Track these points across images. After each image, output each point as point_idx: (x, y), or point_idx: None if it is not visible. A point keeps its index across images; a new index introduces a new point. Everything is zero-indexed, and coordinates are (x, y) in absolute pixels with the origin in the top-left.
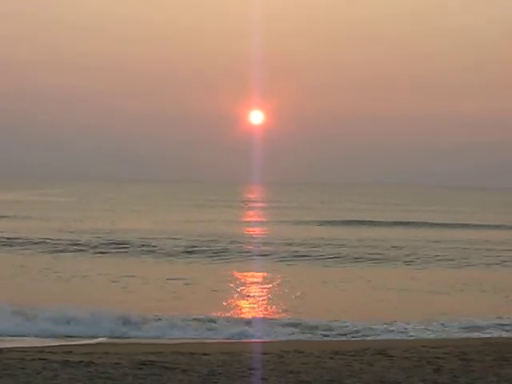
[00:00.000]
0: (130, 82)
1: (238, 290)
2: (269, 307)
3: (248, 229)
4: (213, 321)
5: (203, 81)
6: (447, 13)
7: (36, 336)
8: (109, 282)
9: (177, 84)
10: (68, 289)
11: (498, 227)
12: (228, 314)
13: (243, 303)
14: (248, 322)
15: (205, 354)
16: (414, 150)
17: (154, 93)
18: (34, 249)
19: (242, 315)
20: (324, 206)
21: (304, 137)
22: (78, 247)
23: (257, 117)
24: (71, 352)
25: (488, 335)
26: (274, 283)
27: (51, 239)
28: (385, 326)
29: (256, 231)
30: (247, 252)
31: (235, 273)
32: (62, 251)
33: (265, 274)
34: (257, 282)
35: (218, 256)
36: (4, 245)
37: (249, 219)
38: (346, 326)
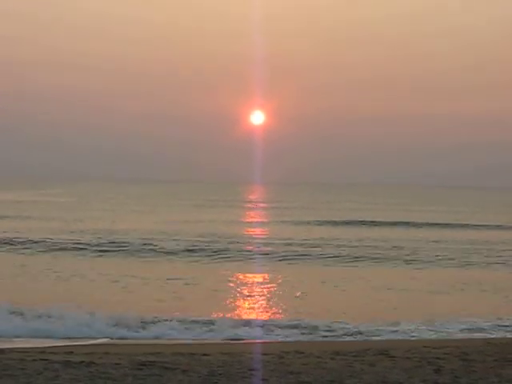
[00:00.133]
0: (130, 82)
1: (238, 290)
2: (269, 308)
3: (248, 229)
4: (212, 322)
5: (203, 81)
6: (447, 13)
7: (34, 337)
8: (108, 282)
9: (177, 84)
10: (67, 289)
11: (498, 227)
12: (228, 315)
13: (243, 304)
14: (248, 323)
15: (205, 355)
16: (414, 150)
17: (154, 93)
18: (33, 248)
19: (242, 316)
20: (324, 206)
21: (304, 137)
22: (77, 247)
23: (257, 117)
24: (72, 352)
25: (489, 336)
26: (274, 283)
27: (51, 239)
28: (386, 326)
29: (256, 231)
30: (247, 252)
31: (235, 273)
32: (61, 251)
33: (265, 274)
34: (257, 282)
35: (218, 256)
36: (5, 244)
37: (249, 219)
38: (347, 327)
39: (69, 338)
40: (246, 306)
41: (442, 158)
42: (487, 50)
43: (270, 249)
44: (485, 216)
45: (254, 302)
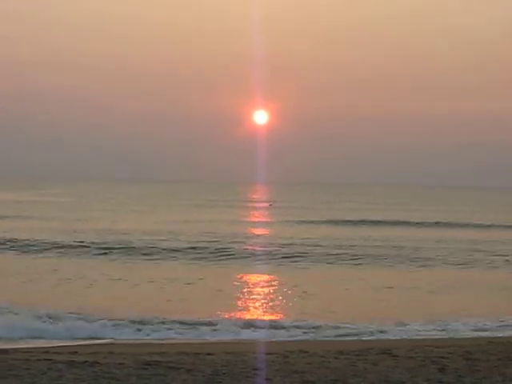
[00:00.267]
0: (131, 82)
1: (240, 290)
2: (271, 308)
3: (249, 228)
4: (214, 323)
5: (204, 81)
6: (447, 13)
7: (34, 338)
8: (108, 283)
9: (177, 84)
10: (66, 290)
11: (497, 226)
12: (230, 315)
13: (245, 304)
14: (251, 323)
15: (209, 354)
16: (414, 150)
17: (154, 93)
18: (33, 248)
19: (244, 316)
20: (325, 206)
21: (305, 137)
22: (78, 247)
23: (257, 117)
24: (76, 352)
25: (493, 335)
26: (276, 283)
27: (51, 239)
28: (388, 326)
29: (257, 231)
30: (249, 252)
31: (236, 273)
32: (61, 251)
33: (267, 274)
34: (258, 283)
35: (218, 256)
36: (4, 243)
37: (250, 219)
38: (350, 327)
39: (71, 340)
40: (249, 306)
41: (442, 157)
42: (487, 50)
43: (271, 248)
44: (485, 215)
45: (256, 302)
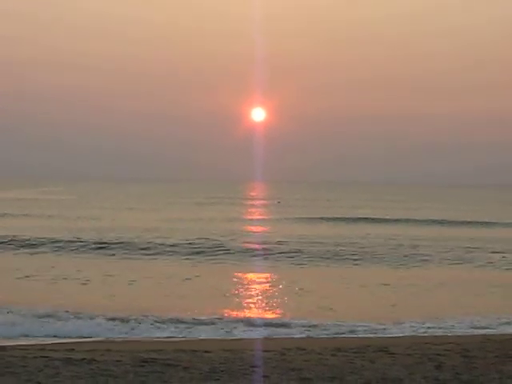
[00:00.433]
0: (131, 81)
1: (237, 287)
2: (268, 305)
3: (249, 226)
4: (213, 321)
5: (204, 81)
6: (447, 13)
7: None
8: (104, 280)
9: (177, 84)
10: (63, 288)
11: (496, 224)
12: (226, 313)
13: (242, 301)
14: (247, 321)
15: (206, 352)
16: (414, 149)
17: (154, 93)
18: (32, 247)
19: (241, 314)
20: (325, 204)
21: (305, 136)
22: (76, 245)
23: (258, 116)
24: (73, 350)
25: (490, 332)
26: (274, 280)
27: (50, 237)
28: (385, 324)
29: (257, 229)
30: (248, 249)
31: (234, 270)
32: (60, 249)
33: (264, 271)
34: (256, 280)
35: (218, 253)
36: (4, 242)
37: (250, 217)
38: (347, 324)
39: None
40: (245, 303)
41: (442, 157)
42: (487, 50)
43: (270, 246)
44: (484, 213)
45: (253, 299)
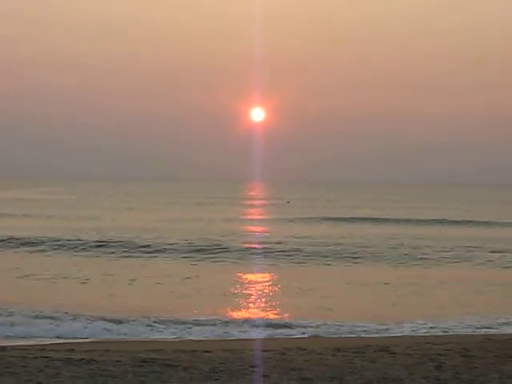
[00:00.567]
0: (131, 81)
1: (239, 288)
2: (267, 305)
3: (248, 226)
4: (213, 321)
5: (204, 80)
6: (447, 13)
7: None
8: (106, 280)
9: (177, 84)
10: (65, 288)
11: (496, 224)
12: (228, 314)
13: (244, 302)
14: (248, 322)
15: (206, 352)
16: (414, 149)
17: (154, 92)
18: (32, 246)
19: (242, 314)
20: (325, 204)
21: (306, 135)
22: (76, 245)
23: (258, 116)
24: (73, 350)
25: (490, 332)
26: (272, 280)
27: (49, 236)
28: (385, 323)
29: (257, 229)
30: (248, 249)
31: (236, 270)
32: (60, 248)
33: (263, 271)
34: (254, 279)
35: (217, 253)
36: (4, 241)
37: (249, 217)
38: (347, 324)
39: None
40: (243, 303)
41: (442, 157)
42: (487, 50)
43: (270, 245)
44: (484, 213)
45: (251, 299)
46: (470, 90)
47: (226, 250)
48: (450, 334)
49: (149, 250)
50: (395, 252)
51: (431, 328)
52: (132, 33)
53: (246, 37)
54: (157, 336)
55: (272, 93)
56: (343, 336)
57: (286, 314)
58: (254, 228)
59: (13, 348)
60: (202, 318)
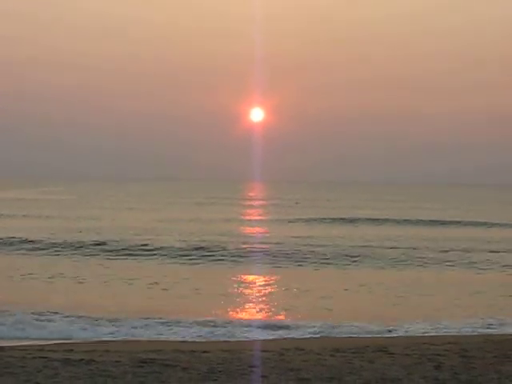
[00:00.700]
0: (131, 81)
1: (238, 289)
2: (265, 306)
3: (247, 227)
4: (211, 322)
5: (203, 80)
6: (447, 12)
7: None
8: (105, 281)
9: (177, 83)
10: (64, 288)
11: (494, 225)
12: (226, 314)
13: (242, 303)
14: (247, 323)
15: (205, 352)
16: (415, 149)
17: (154, 92)
18: (31, 247)
19: (240, 315)
20: (325, 204)
21: (306, 135)
22: (76, 245)
23: (257, 116)
24: (72, 350)
25: (488, 332)
26: (270, 281)
27: (48, 238)
28: (385, 325)
29: (256, 229)
30: (247, 250)
31: (235, 271)
32: (59, 248)
33: (266, 273)
34: (251, 281)
35: (217, 254)
36: (2, 242)
37: (249, 217)
38: (345, 325)
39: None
40: (245, 304)
41: (442, 157)
42: (487, 50)
43: (269, 246)
44: (484, 214)
45: (253, 300)
46: (470, 90)
47: (225, 250)
48: (449, 334)
49: (148, 250)
50: (394, 252)
51: (430, 328)
52: (132, 33)
53: (246, 37)
54: (156, 336)
55: (272, 93)
56: (342, 336)
57: (284, 315)
58: (253, 228)
59: (11, 348)
60: (200, 319)
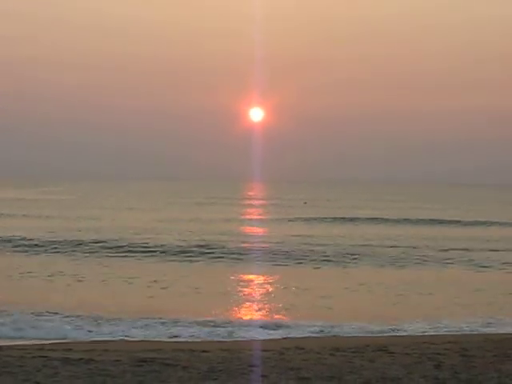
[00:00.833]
0: (131, 80)
1: (238, 288)
2: (264, 305)
3: (247, 227)
4: (211, 322)
5: (203, 80)
6: (447, 11)
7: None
8: (104, 280)
9: (177, 83)
10: (63, 288)
11: (494, 223)
12: (226, 314)
13: (242, 302)
14: (247, 322)
15: (205, 351)
16: (415, 148)
17: (154, 92)
18: (30, 246)
19: (240, 314)
20: (325, 204)
21: (304, 135)
22: (75, 244)
23: (257, 115)
24: (71, 349)
25: (488, 331)
26: (273, 281)
27: (48, 237)
28: (385, 324)
29: (256, 229)
30: (247, 250)
31: (235, 271)
32: (59, 248)
33: (266, 272)
34: (257, 281)
35: (217, 253)
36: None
37: (249, 217)
38: (348, 325)
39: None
40: (245, 303)
41: (443, 156)
42: (487, 48)
43: (269, 246)
44: (484, 213)
45: (253, 299)
46: (470, 89)
47: (225, 249)
48: (449, 333)
49: (147, 248)
50: (395, 251)
51: (430, 327)
52: (132, 32)
53: (246, 36)
54: (155, 336)
55: (272, 92)
56: (342, 336)
57: (284, 314)
58: (253, 228)
59: (10, 348)
60: (200, 318)
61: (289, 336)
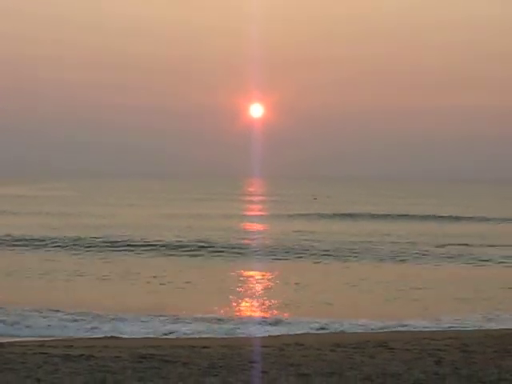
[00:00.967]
0: (132, 77)
1: (238, 284)
2: (264, 301)
3: (247, 223)
4: (210, 318)
5: (203, 76)
6: (445, 7)
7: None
8: (105, 277)
9: (177, 80)
10: (63, 285)
11: (491, 219)
12: (226, 310)
13: (242, 298)
14: (247, 318)
15: (205, 348)
16: (414, 144)
17: (154, 88)
18: (30, 244)
19: (240, 310)
20: (325, 200)
21: (303, 131)
22: (75, 242)
23: (257, 112)
24: (72, 346)
25: (489, 327)
26: (273, 277)
27: (49, 233)
28: (386, 320)
29: (255, 225)
30: (247, 246)
31: (235, 267)
32: (60, 245)
33: (266, 268)
34: (257, 277)
35: (217, 250)
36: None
37: (249, 213)
38: (348, 321)
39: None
40: (245, 300)
41: (442, 152)
42: (487, 45)
43: (268, 242)
44: (483, 209)
45: (253, 295)
46: (468, 85)
47: (225, 245)
48: (449, 329)
49: (148, 245)
50: (394, 248)
51: (430, 323)
52: (131, 30)
53: (246, 34)
54: (155, 332)
55: (271, 89)
56: (342, 332)
57: (284, 310)
58: (253, 224)
59: (11, 344)
60: (200, 315)
61: (289, 332)
